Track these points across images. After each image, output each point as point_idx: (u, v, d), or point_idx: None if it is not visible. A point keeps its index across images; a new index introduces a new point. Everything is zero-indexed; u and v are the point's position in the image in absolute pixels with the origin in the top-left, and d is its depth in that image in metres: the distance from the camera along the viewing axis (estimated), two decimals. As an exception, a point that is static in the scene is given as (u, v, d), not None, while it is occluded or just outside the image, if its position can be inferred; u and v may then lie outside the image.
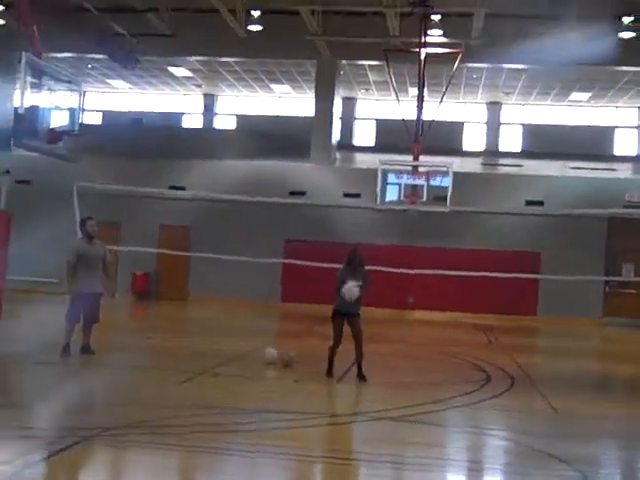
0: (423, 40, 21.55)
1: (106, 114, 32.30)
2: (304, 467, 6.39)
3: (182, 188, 25.60)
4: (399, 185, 21.81)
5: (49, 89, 12.31)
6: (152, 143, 26.61)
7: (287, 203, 24.16)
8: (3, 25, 23.80)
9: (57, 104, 12.67)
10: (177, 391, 9.12)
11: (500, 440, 7.67)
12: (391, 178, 22.09)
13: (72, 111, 13.10)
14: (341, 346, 10.68)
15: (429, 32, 22.20)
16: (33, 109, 12.07)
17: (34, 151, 13.17)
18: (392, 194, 22.12)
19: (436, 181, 21.43)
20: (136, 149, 26.18)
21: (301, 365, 11.49)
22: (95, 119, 32.54)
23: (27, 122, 11.76)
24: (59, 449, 6.17)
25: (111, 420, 7.51)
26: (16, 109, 11.48)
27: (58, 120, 12.59)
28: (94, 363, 11.03)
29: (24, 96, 11.53)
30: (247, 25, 23.61)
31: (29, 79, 11.98)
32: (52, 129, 12.20)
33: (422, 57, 21.84)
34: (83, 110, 32.66)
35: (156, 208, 25.79)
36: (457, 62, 22.30)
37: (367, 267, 11.15)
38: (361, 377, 10.47)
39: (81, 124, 29.63)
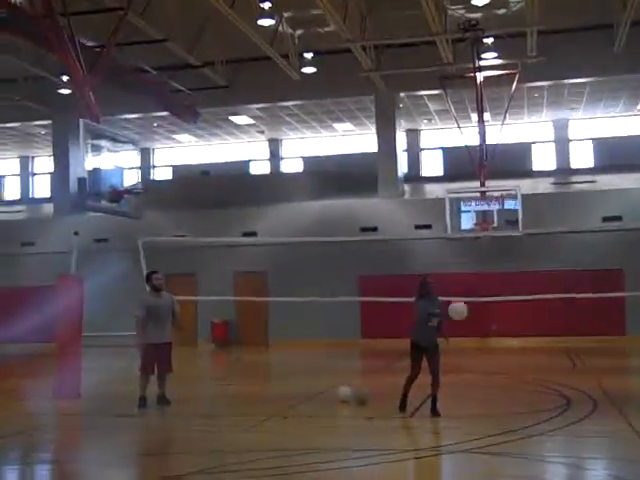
0: (477, 64, 21.41)
1: (176, 169, 33.01)
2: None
3: (254, 234, 25.92)
4: (470, 212, 21.56)
5: (109, 150, 12.66)
6: (221, 192, 27.10)
7: (359, 240, 24.30)
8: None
9: (118, 164, 13.01)
10: (244, 436, 9.09)
11: (565, 468, 7.34)
12: (465, 207, 21.88)
13: (133, 170, 13.42)
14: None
15: (483, 55, 22.08)
16: (95, 171, 12.41)
17: (98, 211, 13.55)
18: (466, 222, 21.86)
19: (506, 205, 21.11)
20: (206, 200, 26.70)
21: (376, 402, 11.35)
22: (165, 174, 33.29)
23: (90, 184, 12.10)
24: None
25: (168, 469, 7.58)
26: (79, 176, 11.84)
27: (120, 179, 12.92)
28: (168, 414, 11.12)
29: (85, 160, 11.90)
30: (301, 68, 23.90)
31: (89, 143, 12.32)
32: (114, 189, 12.51)
33: (478, 81, 21.71)
34: (154, 167, 33.59)
35: (230, 256, 26.14)
36: (515, 82, 22.06)
37: (444, 298, 11.03)
38: (435, 412, 10.25)
39: (149, 180, 30.65)
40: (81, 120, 11.93)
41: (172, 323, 11.92)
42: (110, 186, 12.62)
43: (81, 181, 11.79)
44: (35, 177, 35.13)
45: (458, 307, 10.84)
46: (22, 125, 30.19)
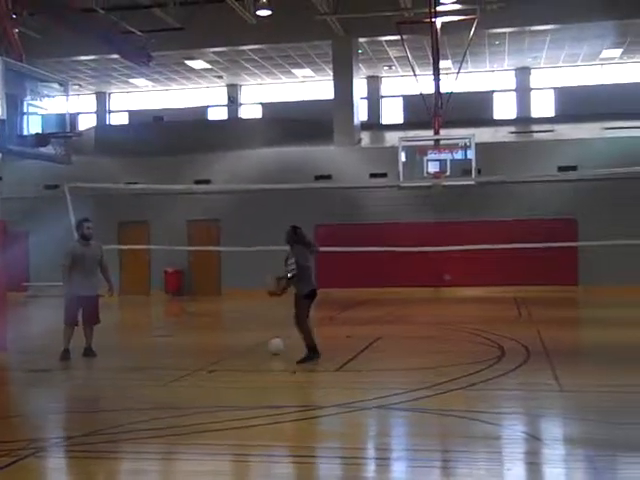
0: (434, 9, 20.82)
1: (132, 114, 32.28)
2: (245, 466, 6.00)
3: (208, 182, 25.43)
4: (423, 161, 21.20)
5: (33, 92, 12.05)
6: (174, 138, 26.51)
7: (315, 188, 23.91)
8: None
9: (45, 107, 12.42)
10: (160, 392, 8.80)
11: (475, 423, 7.12)
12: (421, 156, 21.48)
13: (61, 113, 12.85)
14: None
15: (442, 0, 21.50)
16: (19, 114, 11.82)
17: (21, 156, 13.01)
18: (421, 171, 21.49)
19: (463, 154, 20.76)
20: (159, 146, 26.09)
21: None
22: (122, 119, 32.57)
23: (12, 128, 11.52)
24: (10, 462, 5.90)
25: (76, 428, 7.28)
26: (-3, 116, 11.23)
27: (47, 123, 12.34)
28: (91, 367, 10.81)
29: (3, 101, 11.28)
30: (256, 10, 23.16)
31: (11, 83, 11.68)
32: (38, 133, 11.95)
33: (437, 27, 21.15)
34: (110, 112, 32.83)
35: (183, 204, 25.66)
36: (473, 29, 21.50)
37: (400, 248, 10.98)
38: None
39: (103, 125, 29.95)
40: (1, 58, 11.28)
41: (102, 273, 11.55)
42: (39, 129, 12.07)
43: (1, 123, 11.18)
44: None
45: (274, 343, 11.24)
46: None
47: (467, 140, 20.40)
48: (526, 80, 30.19)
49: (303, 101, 30.84)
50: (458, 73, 22.09)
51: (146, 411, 7.64)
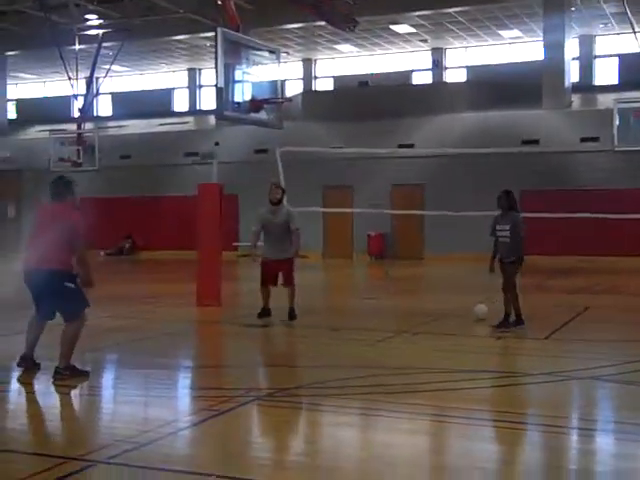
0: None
1: (337, 79, 32.76)
2: (467, 429, 5.99)
3: (411, 146, 25.41)
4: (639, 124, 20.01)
5: (247, 61, 12.54)
6: (379, 103, 26.64)
7: (521, 153, 23.26)
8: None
9: (258, 75, 12.91)
10: (366, 352, 8.98)
11: None
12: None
13: (273, 80, 13.30)
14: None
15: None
16: (234, 81, 12.36)
17: (237, 122, 13.62)
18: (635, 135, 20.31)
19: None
20: (364, 111, 26.36)
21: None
22: (327, 85, 33.17)
23: (228, 95, 12.09)
24: (232, 407, 6.32)
25: (288, 381, 7.62)
26: (216, 84, 11.82)
27: (260, 89, 12.81)
28: (300, 325, 11.13)
29: (222, 70, 11.83)
30: (464, -30, 22.70)
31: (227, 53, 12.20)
32: (253, 98, 12.45)
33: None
34: (316, 77, 33.54)
35: (387, 168, 25.87)
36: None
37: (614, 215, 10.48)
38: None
39: (309, 91, 30.54)
40: (218, 29, 11.84)
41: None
42: (252, 96, 12.59)
43: (219, 91, 11.76)
44: (202, 89, 36.05)
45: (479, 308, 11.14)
46: (190, 37, 30.73)
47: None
48: None
49: (510, 63, 29.88)
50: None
51: (353, 369, 7.84)
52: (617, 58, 29.24)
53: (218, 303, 12.66)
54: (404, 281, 19.71)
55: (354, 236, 26.55)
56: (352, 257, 26.34)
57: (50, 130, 30.31)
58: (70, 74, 26.68)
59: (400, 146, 25.24)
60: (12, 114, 37.44)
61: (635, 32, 21.13)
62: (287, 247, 11.10)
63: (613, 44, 29.46)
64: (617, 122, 19.91)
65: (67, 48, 26.80)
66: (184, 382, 7.92)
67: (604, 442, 5.82)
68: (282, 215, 11.11)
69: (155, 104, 34.57)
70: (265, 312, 11.23)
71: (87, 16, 27.05)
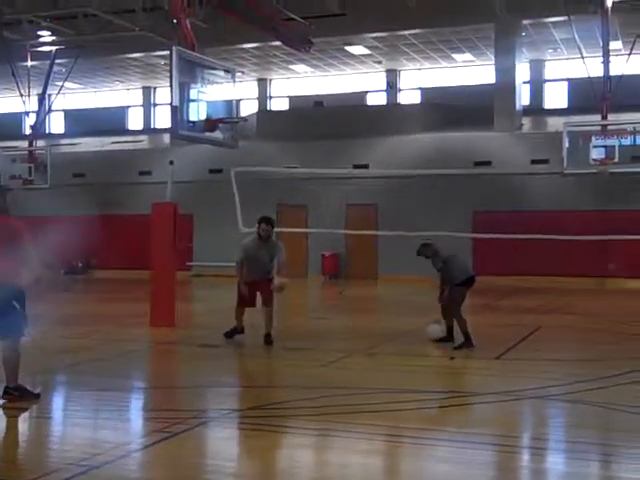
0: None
1: (292, 99, 32.90)
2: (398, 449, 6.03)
3: (366, 166, 25.60)
4: (588, 147, 20.42)
5: (202, 80, 12.53)
6: (334, 123, 26.81)
7: (474, 174, 23.60)
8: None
9: (213, 94, 12.89)
10: (321, 372, 8.99)
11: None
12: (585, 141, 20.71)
13: (228, 100, 13.31)
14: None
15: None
16: (189, 100, 12.34)
17: (192, 141, 13.56)
18: (586, 158, 20.70)
19: (628, 140, 19.88)
20: (319, 131, 26.49)
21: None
22: (282, 105, 33.29)
23: (183, 113, 12.05)
24: (183, 430, 6.25)
25: (241, 402, 7.60)
26: (171, 103, 11.78)
27: (215, 109, 12.79)
28: (255, 345, 11.08)
29: (177, 89, 11.80)
30: (417, -7, 23.04)
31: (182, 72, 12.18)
32: (208, 118, 12.43)
33: (607, 5, 20.28)
34: (271, 97, 33.64)
35: (342, 188, 25.99)
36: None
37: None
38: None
39: (264, 111, 30.56)
40: (174, 47, 11.82)
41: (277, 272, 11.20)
42: (207, 115, 12.56)
43: (174, 110, 11.72)
44: (157, 108, 35.90)
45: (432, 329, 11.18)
46: (145, 56, 30.61)
47: (638, 125, 19.52)
48: None
49: (463, 86, 30.37)
50: (630, 55, 21.07)
51: (306, 390, 7.85)
52: (566, 82, 29.87)
53: (172, 323, 12.57)
54: (358, 301, 19.79)
55: (309, 256, 26.60)
56: (307, 277, 26.37)
57: (1, 147, 29.86)
58: (22, 91, 26.42)
59: (355, 166, 25.44)
60: (-38, 130, 36.79)
61: (583, 57, 21.56)
62: (269, 270, 11.12)
63: (562, 69, 30.10)
64: (567, 145, 20.30)
65: (19, 64, 26.48)
66: (137, 404, 7.84)
67: (554, 461, 5.90)
68: (270, 249, 11.13)
69: (109, 122, 34.34)
70: (236, 331, 11.19)
71: (40, 32, 26.72)
